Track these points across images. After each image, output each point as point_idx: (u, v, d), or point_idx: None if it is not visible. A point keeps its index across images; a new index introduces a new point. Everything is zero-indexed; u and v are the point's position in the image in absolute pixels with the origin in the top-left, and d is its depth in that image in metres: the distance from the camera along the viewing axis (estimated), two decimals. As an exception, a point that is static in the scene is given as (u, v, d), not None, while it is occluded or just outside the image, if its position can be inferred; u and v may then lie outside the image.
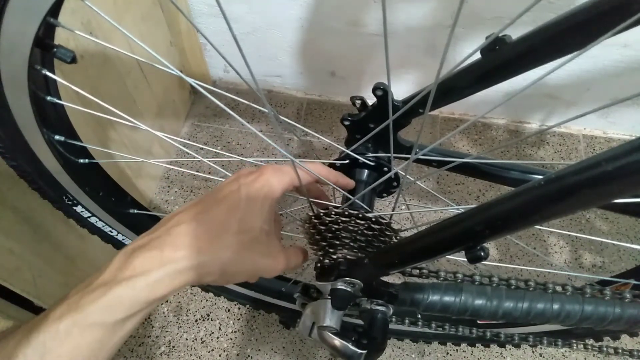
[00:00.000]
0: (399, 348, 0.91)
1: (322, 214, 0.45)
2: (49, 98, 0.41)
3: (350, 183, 0.46)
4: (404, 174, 0.43)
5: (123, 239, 0.61)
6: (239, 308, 0.96)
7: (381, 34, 1.02)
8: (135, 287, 0.29)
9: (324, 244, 0.47)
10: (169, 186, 1.11)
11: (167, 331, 0.93)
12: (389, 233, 0.44)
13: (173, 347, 0.92)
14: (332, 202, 0.46)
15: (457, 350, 0.92)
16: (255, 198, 0.35)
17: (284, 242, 0.42)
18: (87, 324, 0.28)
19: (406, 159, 0.46)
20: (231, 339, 0.93)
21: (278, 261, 0.38)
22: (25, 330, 0.28)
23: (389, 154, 0.48)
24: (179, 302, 0.96)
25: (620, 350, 0.52)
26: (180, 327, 0.94)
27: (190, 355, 0.91)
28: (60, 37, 0.37)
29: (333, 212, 0.44)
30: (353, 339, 0.48)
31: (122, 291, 0.29)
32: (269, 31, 1.06)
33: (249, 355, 0.91)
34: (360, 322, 0.50)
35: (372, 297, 0.48)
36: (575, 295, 0.40)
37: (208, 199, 0.35)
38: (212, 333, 0.93)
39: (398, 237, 0.45)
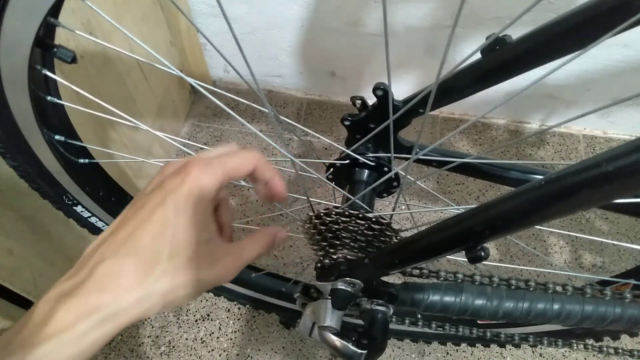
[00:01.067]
0: (399, 348, 0.91)
1: (322, 214, 0.45)
2: (49, 98, 0.41)
3: (281, 194, 0.37)
4: (404, 174, 0.43)
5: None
6: (239, 308, 0.96)
7: (381, 34, 1.02)
8: (61, 344, 0.26)
9: (325, 244, 0.47)
10: (169, 186, 1.11)
11: (167, 331, 0.93)
12: (389, 233, 0.44)
13: (173, 347, 0.92)
14: (282, 190, 0.37)
15: (457, 350, 0.92)
16: (185, 208, 0.29)
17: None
18: None
19: (406, 159, 0.46)
20: (231, 339, 0.93)
21: (226, 266, 0.33)
22: None
23: (389, 154, 0.48)
24: (179, 302, 0.96)
25: (620, 350, 0.52)
26: (180, 327, 0.94)
27: (190, 355, 0.91)
28: (61, 37, 0.38)
29: (333, 212, 0.44)
30: (353, 339, 0.48)
31: (47, 349, 0.25)
32: (269, 31, 1.06)
33: (249, 355, 0.91)
34: (360, 322, 0.50)
35: (373, 297, 0.48)
36: (576, 295, 0.40)
37: (132, 220, 0.29)
38: (212, 333, 0.93)
39: (398, 237, 0.45)
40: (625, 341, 0.91)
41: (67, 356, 0.26)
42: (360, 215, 0.44)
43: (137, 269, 0.28)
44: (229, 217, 0.37)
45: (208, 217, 0.31)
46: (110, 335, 0.28)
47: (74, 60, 0.36)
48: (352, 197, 0.48)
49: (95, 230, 0.58)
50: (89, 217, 0.55)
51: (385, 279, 0.46)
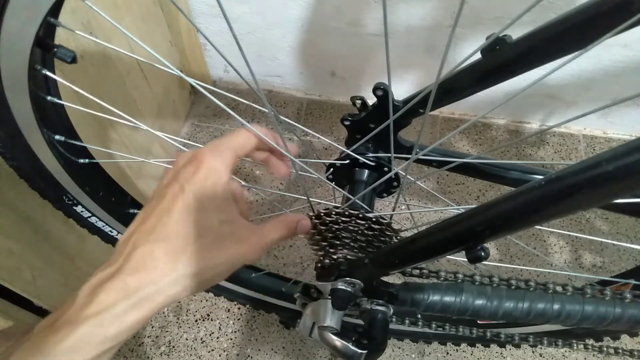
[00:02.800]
0: (399, 348, 0.91)
1: (322, 214, 0.45)
2: (49, 98, 0.41)
3: (293, 148, 0.40)
4: (404, 174, 0.43)
5: (118, 244, 0.61)
6: (239, 308, 0.96)
7: (381, 34, 1.02)
8: (102, 324, 0.28)
9: (324, 244, 0.47)
10: (169, 186, 1.11)
11: (167, 331, 0.93)
12: (389, 233, 0.44)
13: (173, 347, 0.92)
14: (283, 167, 0.40)
15: (457, 350, 0.92)
16: (203, 193, 0.32)
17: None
18: None
19: (406, 159, 0.46)
20: (231, 339, 0.93)
21: (251, 244, 0.34)
22: None
23: (389, 154, 0.48)
24: (179, 302, 0.96)
25: (620, 350, 0.52)
26: (180, 327, 0.94)
27: (190, 355, 0.91)
28: (61, 37, 0.38)
29: (333, 212, 0.44)
30: (353, 339, 0.48)
31: (89, 329, 0.27)
32: (269, 31, 1.06)
33: (249, 355, 0.91)
34: (360, 322, 0.50)
35: (373, 297, 0.48)
36: (576, 295, 0.40)
37: (155, 211, 0.32)
38: (212, 333, 0.93)
39: (398, 237, 0.45)
40: (625, 341, 0.91)
41: (108, 335, 0.28)
42: (360, 215, 0.44)
43: (169, 253, 0.30)
44: (244, 202, 0.39)
45: (227, 199, 0.33)
46: (147, 317, 0.29)
47: (74, 60, 0.36)
48: (352, 197, 0.48)
49: (95, 231, 0.58)
50: (89, 217, 0.55)
51: (385, 279, 0.46)
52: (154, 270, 0.30)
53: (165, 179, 0.34)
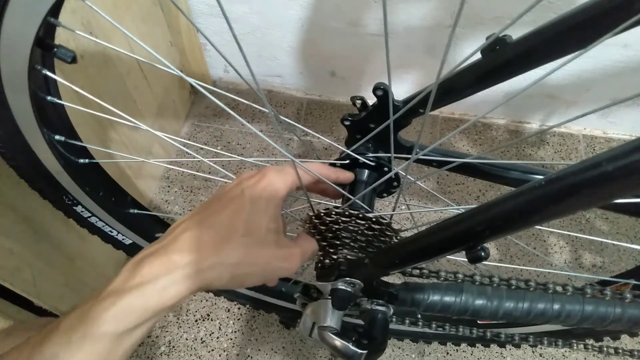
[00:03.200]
0: (399, 348, 0.91)
1: (322, 214, 0.45)
2: (49, 98, 0.41)
3: (349, 176, 0.47)
4: (404, 174, 0.43)
5: (123, 239, 0.61)
6: (239, 308, 0.96)
7: (381, 34, 1.02)
8: (144, 295, 0.29)
9: (325, 244, 0.47)
10: (169, 186, 1.11)
11: (167, 331, 0.93)
12: (389, 233, 0.44)
13: (173, 347, 0.92)
14: (335, 199, 0.46)
15: (457, 350, 0.92)
16: (259, 199, 0.35)
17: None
18: (99, 334, 0.28)
19: (407, 159, 0.46)
20: (231, 339, 0.93)
21: (292, 253, 0.37)
22: (37, 341, 0.28)
23: (389, 154, 0.48)
24: (179, 302, 0.96)
25: (620, 351, 0.52)
26: (180, 327, 0.94)
27: (190, 355, 0.91)
28: (61, 37, 0.38)
29: (333, 212, 0.44)
30: (353, 339, 0.48)
31: (133, 299, 0.29)
32: (269, 31, 1.06)
33: (249, 355, 0.91)
34: (360, 322, 0.50)
35: (373, 297, 0.48)
36: (576, 295, 0.40)
37: (212, 205, 0.35)
38: (212, 333, 0.93)
39: (398, 237, 0.45)
40: (625, 341, 0.91)
41: (149, 306, 0.30)
42: (361, 215, 0.44)
43: (215, 240, 0.33)
44: (286, 225, 0.44)
45: (277, 213, 0.37)
46: (184, 295, 0.31)
47: (74, 60, 0.36)
48: (352, 197, 0.48)
49: (95, 230, 0.58)
50: (89, 217, 0.55)
51: (385, 279, 0.46)
52: (198, 252, 0.32)
53: (228, 185, 0.37)
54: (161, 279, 0.30)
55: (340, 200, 0.53)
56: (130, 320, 0.29)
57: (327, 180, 0.43)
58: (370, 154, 0.50)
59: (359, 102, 0.47)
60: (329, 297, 0.47)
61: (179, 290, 0.31)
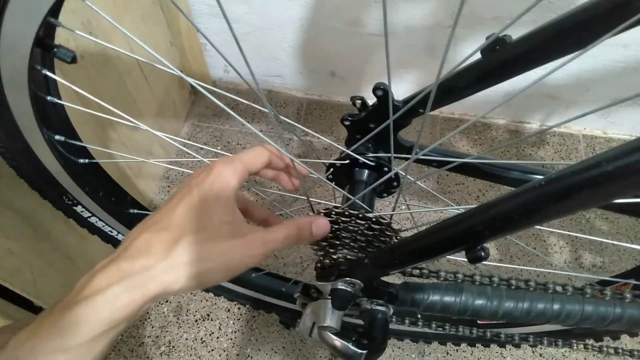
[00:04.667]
0: (399, 348, 0.91)
1: (322, 214, 0.45)
2: (49, 98, 0.41)
3: (302, 169, 0.43)
4: (404, 174, 0.43)
5: (123, 239, 0.61)
6: (239, 308, 0.96)
7: (381, 34, 1.02)
8: (94, 306, 0.28)
9: (325, 243, 0.47)
10: (169, 186, 1.11)
11: (167, 331, 0.93)
12: (389, 233, 0.44)
13: (173, 347, 0.92)
14: (294, 183, 0.43)
15: (457, 350, 0.92)
16: (208, 193, 0.34)
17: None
18: (48, 350, 0.27)
19: (406, 159, 0.46)
20: (231, 339, 0.93)
21: (249, 243, 0.34)
22: None
23: (389, 154, 0.48)
24: (179, 302, 0.96)
25: (620, 350, 0.52)
26: (180, 327, 0.94)
27: (190, 355, 0.91)
28: (61, 37, 0.38)
29: (333, 212, 0.44)
30: (353, 339, 0.48)
31: (81, 311, 0.28)
32: (269, 31, 1.06)
33: (249, 355, 0.91)
34: (360, 322, 0.50)
35: (373, 297, 0.48)
36: (576, 295, 0.40)
37: (164, 207, 0.34)
38: (212, 333, 0.93)
39: (398, 237, 0.45)
40: (625, 341, 0.91)
41: (100, 318, 0.28)
42: (360, 215, 0.44)
43: (165, 241, 0.31)
44: (264, 212, 0.42)
45: (231, 203, 0.35)
46: (139, 303, 0.30)
47: (74, 60, 0.36)
48: (352, 197, 0.48)
49: (95, 230, 0.58)
50: (89, 217, 0.55)
51: (385, 279, 0.46)
52: (149, 256, 0.30)
53: (181, 185, 0.36)
54: (111, 288, 0.29)
55: (340, 200, 0.53)
56: (81, 334, 0.27)
57: (278, 160, 0.40)
58: (370, 154, 0.50)
59: (359, 102, 0.47)
60: (329, 297, 0.47)
61: (133, 299, 0.29)
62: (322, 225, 0.41)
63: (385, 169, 0.50)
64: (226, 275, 0.34)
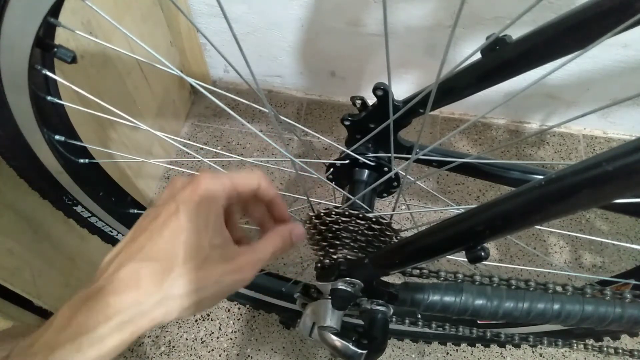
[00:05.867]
0: (399, 348, 0.91)
1: (322, 214, 0.45)
2: (49, 98, 0.41)
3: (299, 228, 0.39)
4: (404, 174, 0.43)
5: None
6: (239, 308, 0.96)
7: (381, 34, 1.02)
8: (81, 348, 0.26)
9: (325, 244, 0.47)
10: (169, 186, 1.11)
11: (167, 331, 0.93)
12: (389, 233, 0.44)
13: (173, 347, 0.92)
14: (284, 210, 0.39)
15: (457, 350, 0.92)
16: (197, 215, 0.31)
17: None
18: None
19: (406, 159, 0.46)
20: (231, 339, 0.93)
21: (240, 265, 0.33)
22: None
23: (389, 154, 0.48)
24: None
25: (620, 350, 0.52)
26: (180, 327, 0.94)
27: (190, 355, 0.91)
28: (61, 37, 0.38)
29: (333, 212, 0.44)
30: (353, 339, 0.48)
31: (66, 354, 0.26)
32: (269, 31, 1.06)
33: (249, 355, 0.91)
34: (360, 322, 0.50)
35: (373, 297, 0.48)
36: (576, 295, 0.40)
37: (147, 229, 0.31)
38: (212, 333, 0.93)
39: (398, 237, 0.45)
40: (625, 341, 0.91)
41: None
42: (361, 215, 0.44)
43: (155, 273, 0.29)
44: (238, 228, 0.38)
45: (220, 224, 0.32)
46: (129, 340, 0.28)
47: (74, 60, 0.36)
48: (352, 197, 0.48)
49: (95, 230, 0.58)
50: (89, 217, 0.55)
51: (385, 279, 0.46)
52: (138, 290, 0.28)
53: (161, 198, 0.33)
54: (98, 328, 0.26)
55: (340, 200, 0.53)
56: None
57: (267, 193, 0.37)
58: (370, 154, 0.50)
59: (359, 102, 0.47)
60: (329, 297, 0.47)
61: (122, 339, 0.27)
62: (300, 234, 0.39)
63: (386, 169, 0.50)
64: (218, 300, 0.33)
